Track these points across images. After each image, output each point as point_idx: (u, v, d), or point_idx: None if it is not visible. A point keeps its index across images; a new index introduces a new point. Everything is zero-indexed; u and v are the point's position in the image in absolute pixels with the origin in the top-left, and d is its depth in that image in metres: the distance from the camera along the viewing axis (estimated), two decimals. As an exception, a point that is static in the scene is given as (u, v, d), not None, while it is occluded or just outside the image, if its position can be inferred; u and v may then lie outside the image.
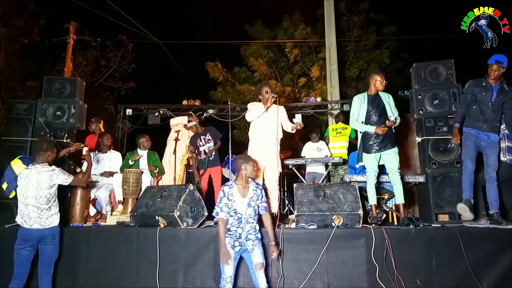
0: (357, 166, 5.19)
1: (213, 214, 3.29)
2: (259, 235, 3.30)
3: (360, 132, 4.35)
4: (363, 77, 12.56)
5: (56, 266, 3.82)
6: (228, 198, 3.23)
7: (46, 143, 3.81)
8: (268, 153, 4.29)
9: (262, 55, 12.75)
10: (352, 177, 4.84)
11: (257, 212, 3.29)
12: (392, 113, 4.17)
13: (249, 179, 3.31)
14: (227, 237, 3.23)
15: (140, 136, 5.84)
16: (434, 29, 12.20)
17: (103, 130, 6.22)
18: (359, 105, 4.29)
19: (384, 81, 4.23)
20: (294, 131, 4.42)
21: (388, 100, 4.25)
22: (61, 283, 3.93)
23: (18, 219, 3.59)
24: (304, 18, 12.66)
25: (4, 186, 3.81)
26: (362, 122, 4.26)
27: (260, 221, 3.35)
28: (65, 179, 3.69)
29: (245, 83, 12.84)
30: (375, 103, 4.23)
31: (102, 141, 5.59)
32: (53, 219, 3.63)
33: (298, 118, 4.34)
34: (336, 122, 7.09)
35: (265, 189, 4.42)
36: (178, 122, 6.36)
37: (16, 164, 3.82)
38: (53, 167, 3.71)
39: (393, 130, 4.23)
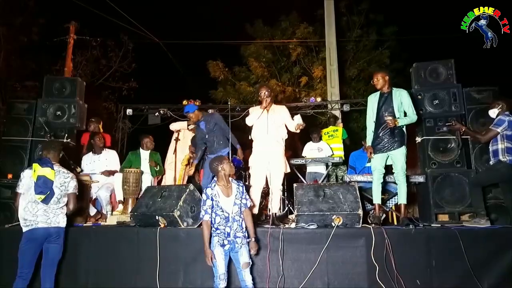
0: (367, 165, 5.18)
1: (200, 216, 3.30)
2: (246, 234, 3.33)
3: (372, 132, 4.31)
4: (363, 77, 12.58)
5: (57, 266, 3.83)
6: (212, 199, 3.26)
7: (53, 143, 3.85)
8: (271, 153, 4.27)
9: (261, 55, 12.75)
10: (352, 177, 4.84)
11: (241, 209, 3.31)
12: (401, 111, 4.12)
13: (230, 178, 3.33)
14: (216, 236, 3.27)
15: (144, 137, 5.82)
16: (434, 29, 12.22)
17: (102, 130, 6.22)
18: (371, 104, 4.31)
19: (375, 80, 4.21)
20: (298, 131, 4.43)
21: (399, 98, 4.16)
22: (62, 283, 3.92)
23: (21, 221, 3.55)
24: (304, 18, 12.68)
25: (40, 198, 3.50)
26: (374, 122, 4.25)
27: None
28: (73, 187, 3.70)
29: (243, 82, 12.85)
30: (383, 101, 4.22)
31: (94, 142, 5.54)
32: (59, 219, 3.62)
33: (297, 119, 4.36)
34: (328, 126, 7.19)
35: (268, 189, 4.42)
36: (176, 128, 6.39)
37: (46, 172, 3.54)
38: (68, 171, 3.76)
39: (404, 132, 4.15)
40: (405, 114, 4.16)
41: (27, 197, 3.56)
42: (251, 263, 3.27)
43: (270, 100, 4.36)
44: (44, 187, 3.51)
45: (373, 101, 4.32)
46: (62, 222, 3.65)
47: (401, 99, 4.15)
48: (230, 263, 3.40)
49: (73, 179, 3.71)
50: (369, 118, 4.34)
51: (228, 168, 3.30)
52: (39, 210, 3.54)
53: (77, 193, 3.75)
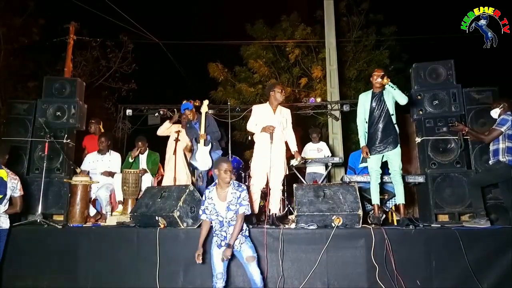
0: (360, 166, 5.20)
1: (198, 215, 3.35)
2: (246, 233, 3.35)
3: (366, 132, 4.31)
4: (363, 77, 12.57)
5: (56, 266, 3.83)
6: (208, 202, 3.29)
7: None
8: (275, 153, 4.26)
9: (261, 56, 12.75)
10: (351, 178, 4.84)
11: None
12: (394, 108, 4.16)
13: (229, 182, 3.28)
14: (215, 236, 3.31)
15: (137, 140, 5.80)
16: (434, 29, 12.21)
17: (102, 130, 6.22)
18: (363, 103, 4.29)
19: (375, 78, 4.15)
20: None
21: (390, 95, 4.13)
22: (61, 283, 3.93)
23: None
24: (304, 19, 12.67)
25: None
26: (366, 121, 4.25)
27: (246, 219, 3.39)
28: (19, 189, 3.83)
29: (244, 82, 12.84)
30: (376, 100, 4.21)
31: (100, 144, 5.57)
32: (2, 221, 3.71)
33: (294, 161, 4.70)
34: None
35: (269, 190, 4.42)
36: (176, 129, 6.41)
37: (2, 173, 3.72)
38: (15, 174, 3.87)
39: (397, 130, 4.18)
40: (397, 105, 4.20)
41: None
42: (256, 257, 3.28)
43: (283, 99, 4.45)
44: (1, 188, 3.61)
45: (364, 100, 4.29)
46: (5, 224, 3.72)
47: (392, 95, 4.16)
48: (238, 265, 3.41)
49: (19, 181, 3.82)
50: (361, 118, 4.33)
51: (224, 175, 3.20)
52: None
53: (17, 196, 3.85)
